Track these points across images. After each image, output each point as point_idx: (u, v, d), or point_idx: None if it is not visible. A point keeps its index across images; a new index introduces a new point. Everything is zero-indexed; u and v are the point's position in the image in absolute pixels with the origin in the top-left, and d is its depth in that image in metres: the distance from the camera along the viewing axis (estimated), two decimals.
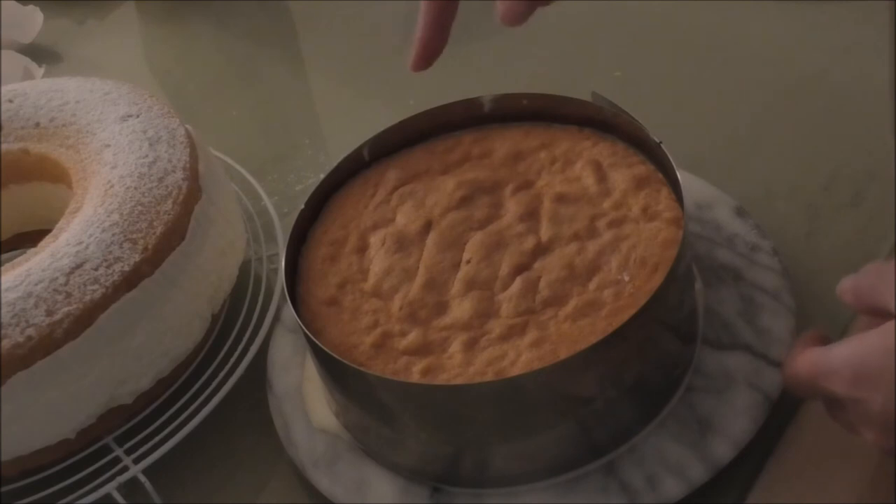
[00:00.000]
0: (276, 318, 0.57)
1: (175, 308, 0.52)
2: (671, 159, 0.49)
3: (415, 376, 0.46)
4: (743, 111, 0.65)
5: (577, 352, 0.42)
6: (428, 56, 0.48)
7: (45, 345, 0.48)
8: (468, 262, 0.50)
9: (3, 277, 0.50)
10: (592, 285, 0.47)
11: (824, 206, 0.57)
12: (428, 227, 0.52)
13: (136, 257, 0.51)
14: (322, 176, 0.55)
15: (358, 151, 0.56)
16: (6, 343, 0.47)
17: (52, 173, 0.60)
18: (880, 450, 0.40)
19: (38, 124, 0.61)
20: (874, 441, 0.39)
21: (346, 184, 0.56)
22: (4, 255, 0.64)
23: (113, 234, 0.51)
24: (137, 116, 0.58)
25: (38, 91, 0.63)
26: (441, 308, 0.48)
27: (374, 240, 0.52)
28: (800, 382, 0.41)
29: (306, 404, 0.52)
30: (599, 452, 0.46)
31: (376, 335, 0.48)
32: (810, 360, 0.40)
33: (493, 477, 0.46)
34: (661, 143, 0.50)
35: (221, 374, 0.53)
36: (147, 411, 0.53)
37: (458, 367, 0.46)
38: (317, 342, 0.46)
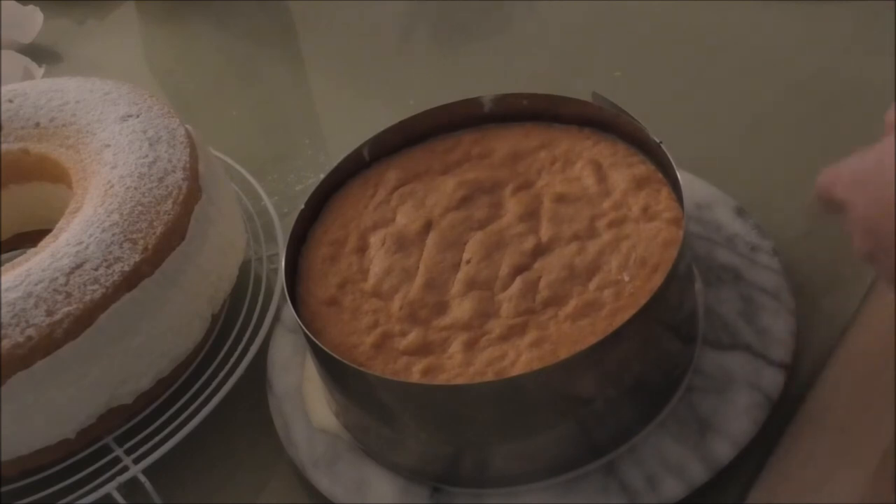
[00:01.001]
0: (276, 318, 0.57)
1: (175, 308, 0.52)
2: (671, 159, 0.49)
3: (415, 376, 0.46)
4: (743, 111, 0.65)
5: (577, 352, 0.42)
6: None
7: (45, 345, 0.48)
8: (468, 262, 0.50)
9: (3, 277, 0.50)
10: (592, 285, 0.47)
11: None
12: (428, 227, 0.52)
13: (136, 257, 0.51)
14: (322, 176, 0.55)
15: (358, 151, 0.56)
16: (6, 343, 0.47)
17: (52, 173, 0.60)
18: (862, 257, 0.42)
19: (38, 124, 0.61)
20: (857, 247, 0.41)
21: (346, 184, 0.56)
22: (4, 255, 0.64)
23: (113, 234, 0.51)
24: (137, 116, 0.58)
25: (38, 91, 0.63)
26: (441, 308, 0.48)
27: (374, 240, 0.52)
28: (821, 195, 0.44)
29: (306, 404, 0.52)
30: (599, 452, 0.46)
31: (376, 335, 0.48)
32: (828, 171, 0.44)
33: (493, 477, 0.46)
34: (661, 143, 0.50)
35: (221, 374, 0.53)
36: (147, 411, 0.53)
37: (458, 367, 0.45)
38: (317, 342, 0.46)
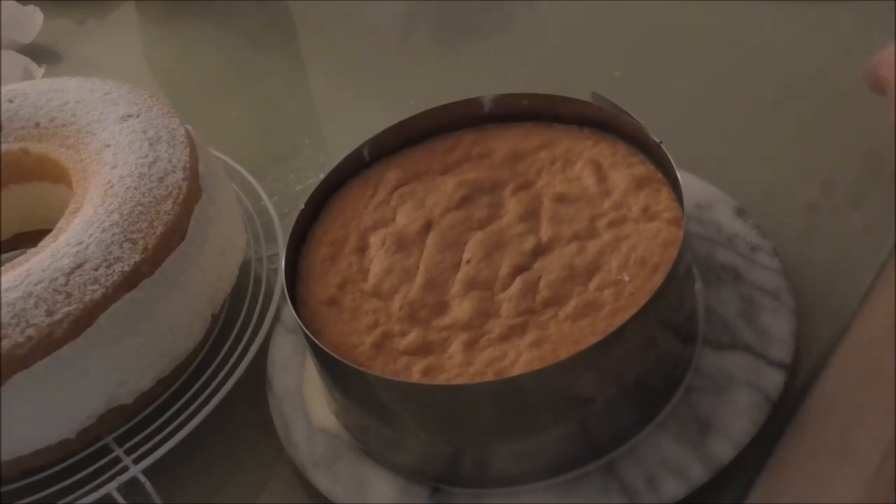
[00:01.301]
0: (276, 318, 0.57)
1: (175, 308, 0.52)
2: (671, 159, 0.49)
3: (415, 376, 0.46)
4: (743, 111, 0.65)
5: (577, 352, 0.42)
6: None
7: (45, 345, 0.48)
8: (468, 262, 0.50)
9: (3, 277, 0.50)
10: (592, 285, 0.47)
11: (824, 206, 0.57)
12: (428, 227, 0.52)
13: (136, 257, 0.51)
14: (322, 176, 0.55)
15: (358, 151, 0.56)
16: (6, 343, 0.47)
17: (52, 173, 0.60)
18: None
19: (38, 124, 0.61)
20: (890, 123, 0.44)
21: (346, 184, 0.56)
22: (4, 255, 0.64)
23: (113, 234, 0.51)
24: (137, 116, 0.58)
25: (38, 91, 0.63)
26: (441, 308, 0.48)
27: (374, 240, 0.52)
28: (868, 74, 0.47)
29: (306, 404, 0.52)
30: (599, 452, 0.46)
31: (376, 335, 0.48)
32: (878, 54, 0.46)
33: (493, 477, 0.46)
34: (661, 143, 0.50)
35: (221, 374, 0.53)
36: (147, 411, 0.53)
37: (458, 367, 0.45)
38: (317, 342, 0.46)
